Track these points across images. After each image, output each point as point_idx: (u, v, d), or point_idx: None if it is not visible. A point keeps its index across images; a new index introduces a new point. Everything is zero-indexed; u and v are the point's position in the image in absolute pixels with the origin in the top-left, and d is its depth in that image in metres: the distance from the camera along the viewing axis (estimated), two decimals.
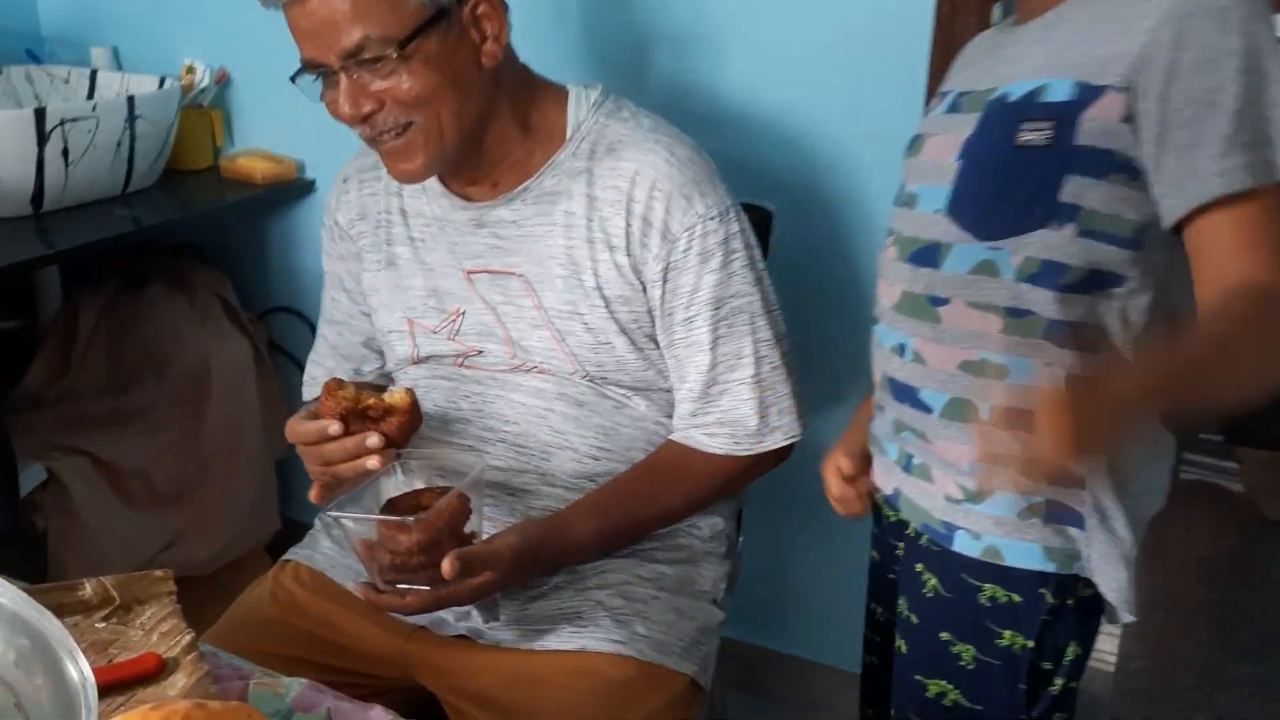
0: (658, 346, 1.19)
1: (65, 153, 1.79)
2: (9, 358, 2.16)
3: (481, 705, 1.12)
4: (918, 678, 1.11)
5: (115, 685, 0.81)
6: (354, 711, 0.81)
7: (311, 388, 1.35)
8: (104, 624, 0.88)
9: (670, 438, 1.22)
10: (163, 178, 2.03)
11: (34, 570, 1.85)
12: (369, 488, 1.07)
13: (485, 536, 1.07)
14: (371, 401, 1.05)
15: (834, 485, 1.19)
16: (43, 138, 1.75)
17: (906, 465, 1.08)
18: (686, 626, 1.20)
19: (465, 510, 1.04)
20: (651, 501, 1.19)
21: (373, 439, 1.03)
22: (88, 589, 0.90)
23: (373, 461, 1.04)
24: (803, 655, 2.09)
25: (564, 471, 1.18)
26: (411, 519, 0.99)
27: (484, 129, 1.14)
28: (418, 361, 1.25)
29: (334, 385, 1.05)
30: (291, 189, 2.09)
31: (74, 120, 1.78)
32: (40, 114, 1.73)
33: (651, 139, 1.17)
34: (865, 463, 1.17)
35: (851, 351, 1.83)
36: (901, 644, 1.14)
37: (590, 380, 1.18)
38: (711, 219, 1.15)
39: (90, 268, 2.12)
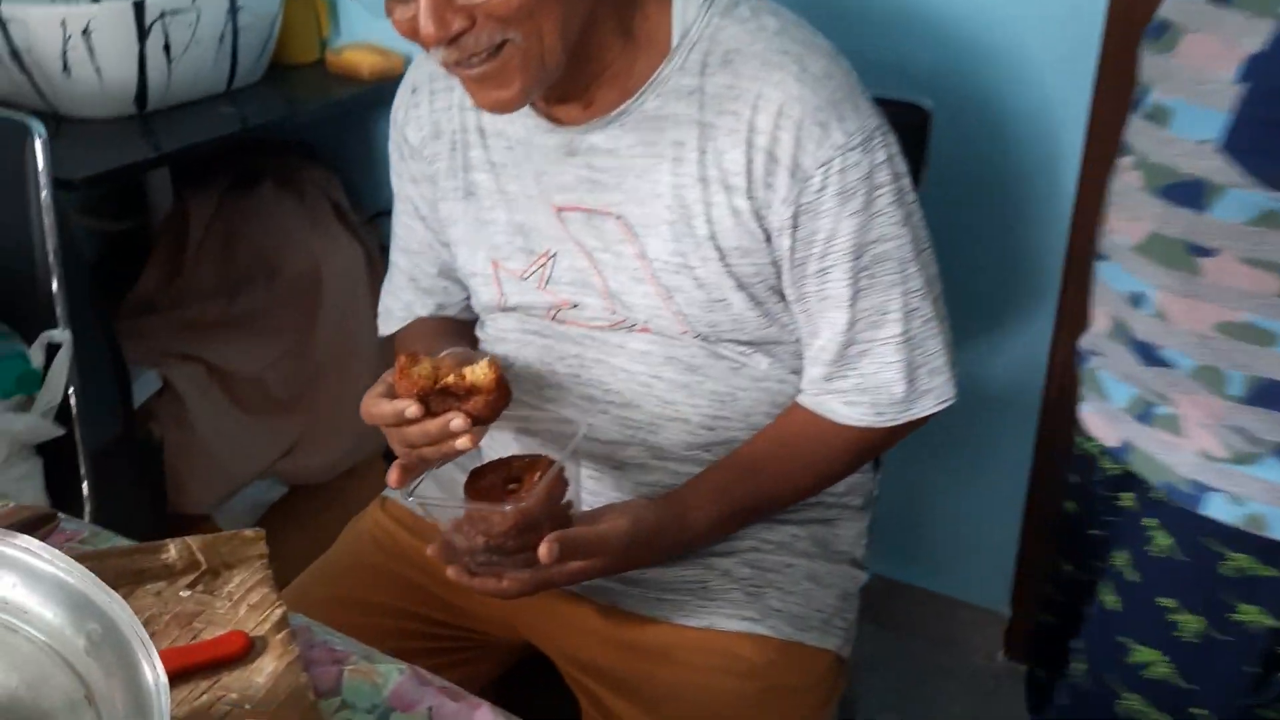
0: (783, 300, 1.02)
1: (167, 48, 1.70)
2: (123, 261, 2.13)
3: (601, 679, 1.02)
4: (1124, 640, 1.00)
5: (199, 669, 0.73)
6: (459, 712, 0.71)
7: (388, 322, 1.22)
8: (189, 592, 0.80)
9: (799, 402, 1.05)
10: (268, 73, 1.93)
11: (152, 481, 1.84)
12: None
13: (584, 508, 0.96)
14: (451, 380, 0.89)
15: None
16: (143, 32, 1.66)
17: (1144, 415, 0.94)
18: (825, 595, 1.07)
19: (563, 484, 0.93)
20: (780, 479, 1.03)
21: (457, 421, 0.87)
22: (172, 551, 0.82)
23: (462, 442, 0.88)
24: (939, 590, 1.96)
25: (675, 444, 1.04)
26: (507, 506, 0.88)
27: (584, 41, 0.93)
28: (505, 309, 1.10)
29: (407, 363, 0.90)
30: (400, 84, 1.96)
31: (174, 13, 1.68)
32: (139, 7, 1.63)
33: (777, 48, 0.94)
34: None
35: (1021, 278, 1.66)
36: (1113, 599, 1.02)
37: (702, 340, 1.02)
38: (852, 149, 0.93)
39: (199, 168, 2.05)
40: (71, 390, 1.48)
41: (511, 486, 0.93)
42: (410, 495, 0.93)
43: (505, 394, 0.91)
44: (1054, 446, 1.74)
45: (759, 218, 0.96)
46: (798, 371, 1.05)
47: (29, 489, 1.44)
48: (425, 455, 0.91)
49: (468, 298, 1.17)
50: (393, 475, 0.91)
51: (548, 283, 1.04)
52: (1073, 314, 1.64)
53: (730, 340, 1.01)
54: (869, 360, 1.00)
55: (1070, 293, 1.63)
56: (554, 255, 1.03)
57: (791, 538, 1.08)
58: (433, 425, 0.88)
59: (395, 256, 1.20)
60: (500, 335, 1.10)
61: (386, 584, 1.09)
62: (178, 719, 0.70)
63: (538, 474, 0.92)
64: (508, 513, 0.88)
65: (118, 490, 1.72)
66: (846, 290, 0.97)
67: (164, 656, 0.73)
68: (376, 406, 0.91)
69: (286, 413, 2.08)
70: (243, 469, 1.98)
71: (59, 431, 1.46)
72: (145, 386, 1.84)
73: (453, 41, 0.86)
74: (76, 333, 1.51)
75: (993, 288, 1.68)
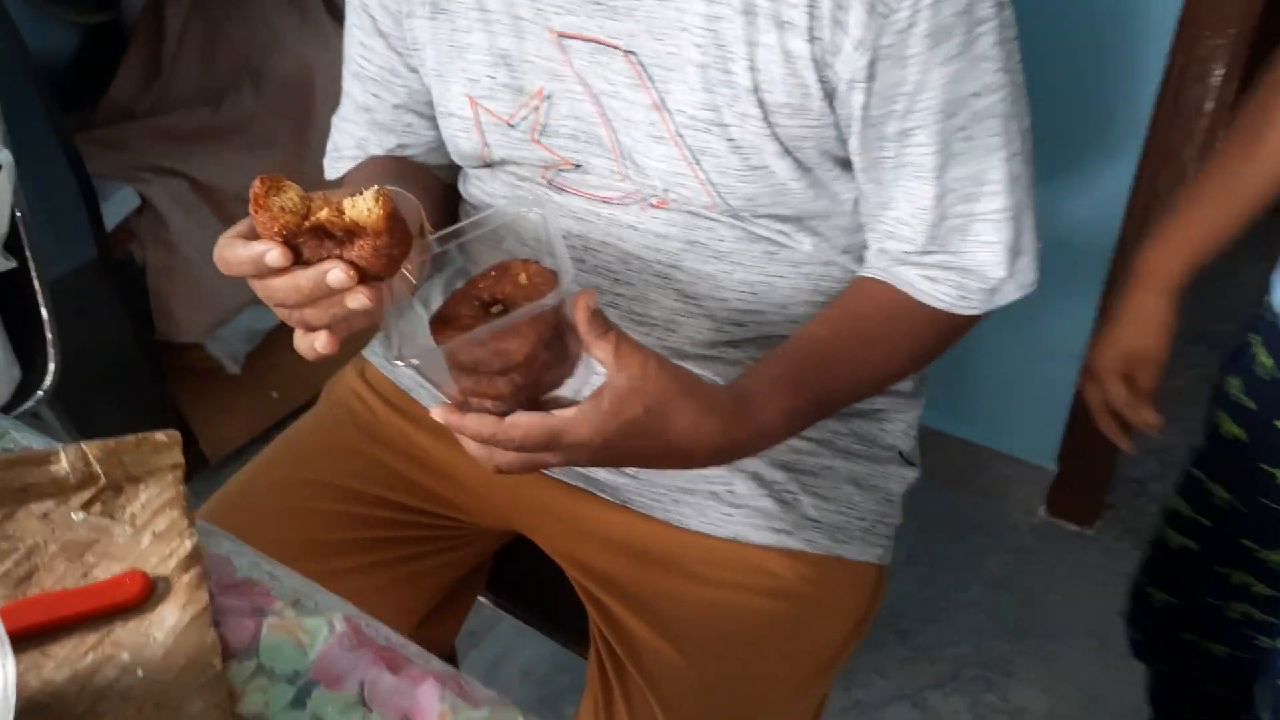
0: (840, 166, 0.80)
1: None
2: (98, 59, 1.93)
3: (609, 589, 0.87)
4: None
5: (87, 619, 0.60)
6: (397, 688, 0.58)
7: (337, 163, 0.98)
8: (82, 515, 0.66)
9: (866, 275, 0.84)
10: None
11: (135, 308, 1.70)
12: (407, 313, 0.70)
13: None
14: (325, 215, 0.62)
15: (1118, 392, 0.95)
16: None
17: None
18: (868, 500, 0.91)
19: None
20: (859, 363, 0.81)
21: (335, 273, 0.62)
22: (64, 461, 0.68)
23: (354, 300, 0.64)
24: (983, 441, 1.82)
25: (698, 342, 0.86)
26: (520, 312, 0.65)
27: None
28: (490, 165, 0.89)
29: (265, 187, 0.62)
30: None
31: None
32: None
33: None
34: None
35: (1108, 109, 1.42)
36: None
37: (733, 218, 0.81)
38: None
39: None
40: (19, 215, 1.32)
41: (495, 309, 0.69)
42: (398, 360, 0.67)
43: (403, 238, 0.65)
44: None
45: (820, 67, 0.72)
46: (850, 251, 0.86)
47: None
48: (307, 319, 0.66)
49: (437, 135, 0.95)
50: (322, 342, 0.66)
51: (541, 134, 0.83)
52: (1161, 151, 1.42)
53: (768, 216, 0.81)
54: (961, 238, 0.79)
55: (1161, 125, 1.40)
56: (549, 97, 0.81)
57: (831, 434, 0.90)
58: (304, 278, 0.63)
59: (347, 83, 0.96)
60: (485, 199, 0.91)
61: (364, 468, 0.95)
62: (53, 685, 0.57)
63: (521, 275, 0.69)
64: (524, 320, 0.64)
65: (93, 321, 1.59)
66: (935, 158, 0.75)
67: (44, 604, 0.61)
68: (230, 250, 0.64)
69: None
70: (233, 294, 1.84)
71: (8, 264, 1.31)
72: (121, 205, 1.68)
73: None
74: (27, 151, 1.33)
75: (1074, 120, 1.45)
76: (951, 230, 0.79)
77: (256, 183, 0.62)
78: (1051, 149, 1.44)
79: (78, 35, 1.97)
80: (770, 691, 0.84)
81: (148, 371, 1.73)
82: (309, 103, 1.85)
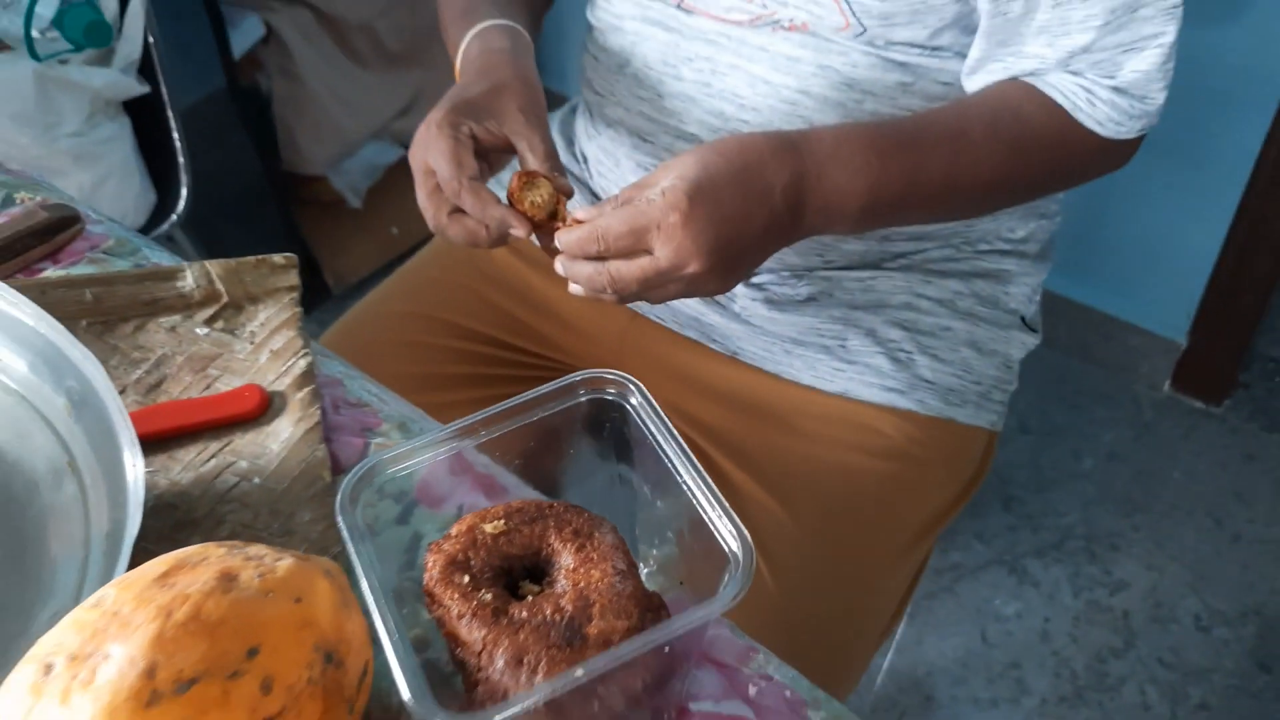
0: None
1: None
2: None
3: (715, 441, 0.87)
4: None
5: (209, 427, 0.63)
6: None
7: None
8: (206, 330, 0.69)
9: (1011, 81, 0.76)
10: None
11: (261, 136, 1.74)
12: None
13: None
14: (568, 217, 0.69)
15: None
16: None
17: None
18: (986, 365, 0.88)
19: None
20: (958, 148, 0.73)
21: (520, 230, 0.70)
22: (189, 279, 0.70)
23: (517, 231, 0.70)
24: (1111, 311, 1.74)
25: None
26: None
27: None
28: None
29: (521, 183, 0.70)
30: None
31: None
32: None
33: None
34: None
35: None
36: None
37: (868, 44, 0.77)
38: None
39: None
40: (152, 40, 1.34)
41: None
42: None
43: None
44: None
45: None
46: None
47: (116, 150, 1.36)
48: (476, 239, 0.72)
49: None
50: (522, 229, 0.70)
51: None
52: None
53: (905, 43, 0.77)
54: (1130, 57, 0.73)
55: None
56: None
57: (954, 294, 0.87)
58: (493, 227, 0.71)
59: None
60: (615, 23, 0.88)
61: (477, 307, 0.96)
62: (179, 485, 0.61)
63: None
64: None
65: (222, 149, 1.63)
66: None
67: (171, 411, 0.64)
68: (480, 207, 0.70)
69: (401, 67, 1.92)
70: (356, 126, 1.87)
71: (142, 88, 1.35)
72: (248, 34, 1.69)
73: None
74: None
75: None
76: (1125, 49, 0.72)
77: (514, 179, 0.70)
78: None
79: None
80: (873, 550, 0.84)
81: (275, 201, 1.77)
82: None
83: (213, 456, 0.63)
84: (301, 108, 1.78)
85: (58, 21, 1.23)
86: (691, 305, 0.90)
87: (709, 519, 0.50)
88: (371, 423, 0.66)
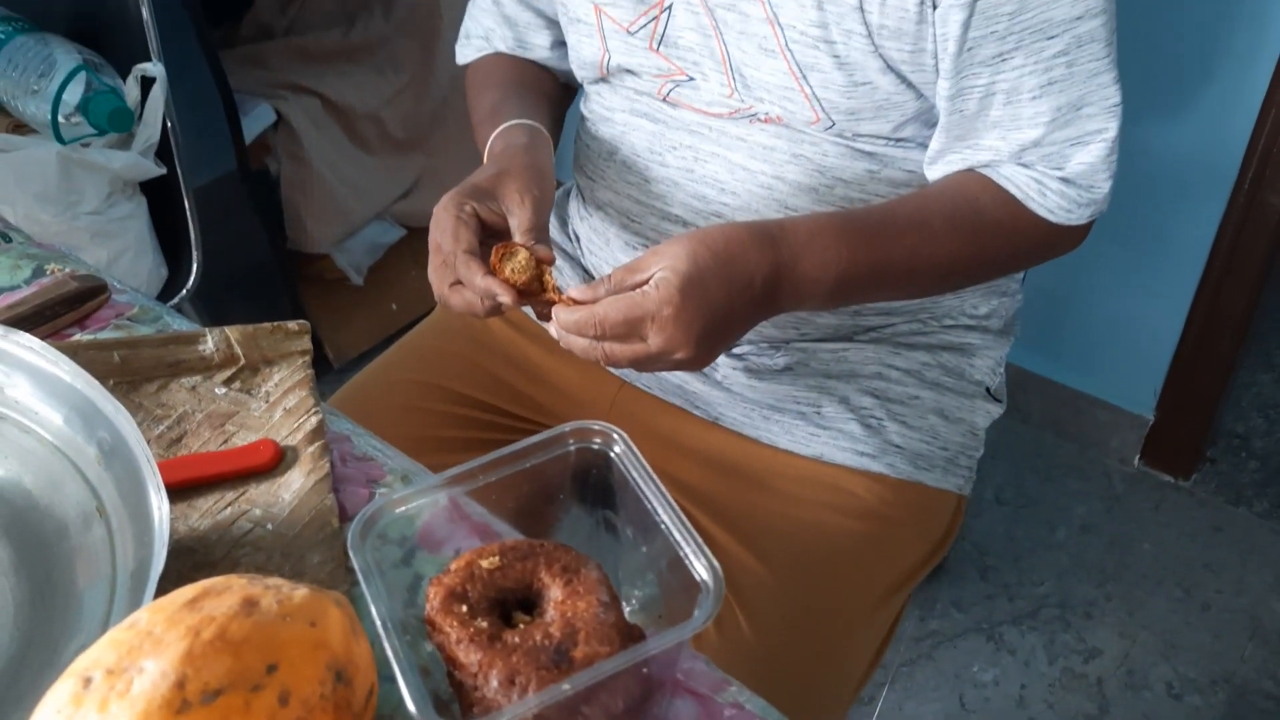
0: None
1: None
2: None
3: (696, 501, 0.93)
4: None
5: (226, 478, 0.69)
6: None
7: (465, 48, 1.06)
8: (225, 390, 0.75)
9: (968, 172, 0.84)
10: None
11: (268, 216, 1.82)
12: None
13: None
14: (552, 294, 0.77)
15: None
16: None
17: None
18: (952, 432, 0.95)
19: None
20: (920, 236, 0.81)
21: (505, 297, 0.76)
22: (209, 342, 0.76)
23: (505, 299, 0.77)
24: (1079, 387, 1.81)
25: None
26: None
27: None
28: (608, 77, 0.94)
29: (499, 255, 0.77)
30: None
31: None
32: None
33: None
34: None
35: (1237, 22, 1.39)
36: None
37: (837, 135, 0.85)
38: None
39: None
40: (170, 125, 1.42)
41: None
42: None
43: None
44: (1241, 238, 1.52)
45: None
46: None
47: (132, 227, 1.43)
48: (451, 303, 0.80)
49: (553, 46, 1.01)
50: (507, 296, 0.76)
51: (660, 42, 0.88)
52: None
53: (871, 135, 0.85)
54: (1061, 157, 0.81)
55: None
56: (669, 8, 0.86)
57: (921, 365, 0.94)
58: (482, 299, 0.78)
59: None
60: (605, 114, 0.96)
61: (474, 375, 1.02)
62: (198, 531, 0.66)
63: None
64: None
65: (232, 228, 1.71)
66: (1038, 77, 0.77)
67: (191, 463, 0.70)
68: (471, 278, 0.77)
69: (405, 152, 2.00)
70: (360, 208, 1.94)
71: (159, 170, 1.42)
72: (259, 120, 1.78)
73: None
74: (177, 64, 1.43)
75: (1196, 33, 1.40)
76: (1047, 155, 0.81)
77: (494, 251, 0.78)
78: (1171, 92, 1.42)
79: None
80: (848, 604, 0.89)
81: (280, 277, 1.84)
82: (435, 26, 1.92)
83: (229, 505, 0.68)
84: (308, 190, 1.86)
85: (83, 107, 1.31)
86: (677, 375, 0.96)
87: (684, 554, 0.56)
88: (376, 474, 0.71)
